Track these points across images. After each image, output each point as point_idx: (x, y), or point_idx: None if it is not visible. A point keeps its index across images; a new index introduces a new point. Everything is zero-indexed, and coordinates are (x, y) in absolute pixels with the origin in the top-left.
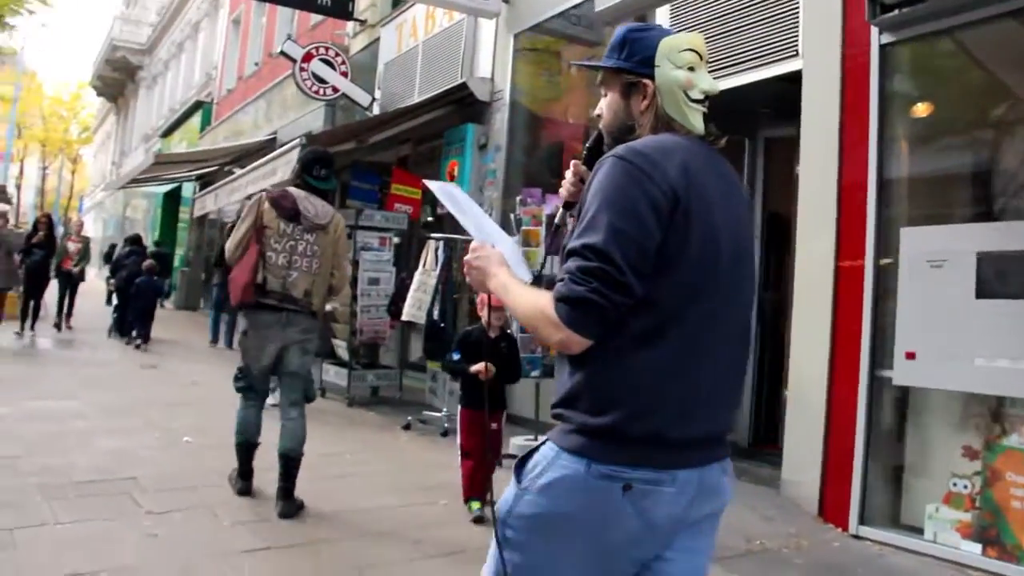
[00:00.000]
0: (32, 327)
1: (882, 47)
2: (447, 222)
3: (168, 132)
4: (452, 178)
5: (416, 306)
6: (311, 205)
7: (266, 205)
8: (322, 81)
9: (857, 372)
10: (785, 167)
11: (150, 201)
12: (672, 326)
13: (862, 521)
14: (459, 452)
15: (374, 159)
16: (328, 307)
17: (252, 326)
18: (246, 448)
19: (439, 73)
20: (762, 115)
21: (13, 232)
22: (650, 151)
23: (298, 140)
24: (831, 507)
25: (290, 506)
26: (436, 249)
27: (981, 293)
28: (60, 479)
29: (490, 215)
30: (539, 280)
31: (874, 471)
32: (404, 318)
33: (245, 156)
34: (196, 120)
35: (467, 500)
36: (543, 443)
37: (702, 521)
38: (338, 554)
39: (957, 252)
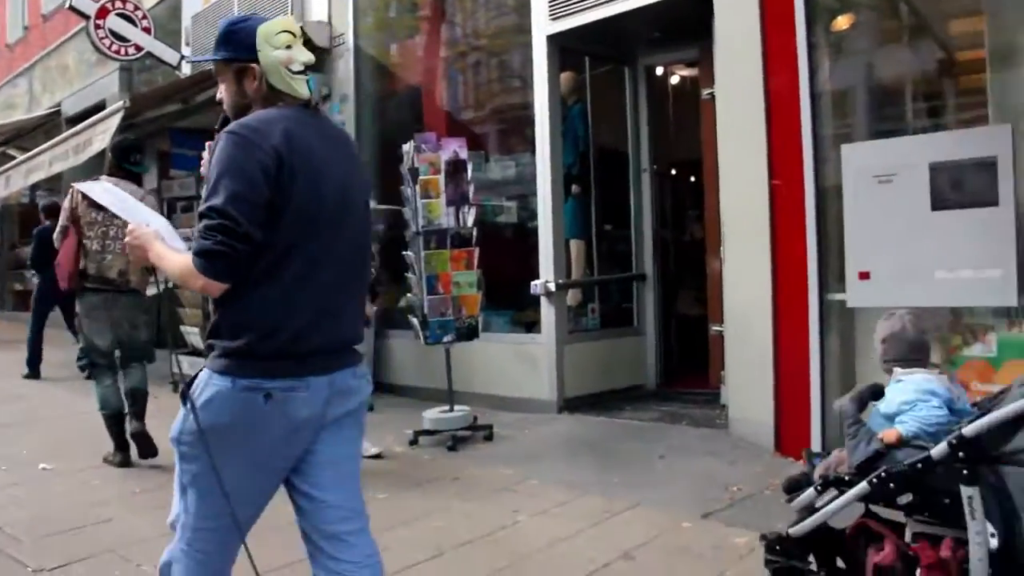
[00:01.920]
0: None
1: None
2: None
3: None
4: None
5: None
6: (120, 191)
7: (79, 197)
8: (123, 39)
9: (805, 298)
10: (664, 94)
11: None
12: (284, 264)
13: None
14: None
15: (190, 124)
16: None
17: (83, 309)
18: (115, 419)
19: None
20: (641, 42)
21: None
22: (256, 123)
23: (120, 104)
24: (789, 441)
25: (147, 441)
26: None
27: (937, 205)
28: None
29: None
30: (443, 233)
31: (830, 399)
32: None
33: (22, 134)
34: None
35: None
36: (200, 371)
37: (342, 418)
38: None
39: (907, 165)
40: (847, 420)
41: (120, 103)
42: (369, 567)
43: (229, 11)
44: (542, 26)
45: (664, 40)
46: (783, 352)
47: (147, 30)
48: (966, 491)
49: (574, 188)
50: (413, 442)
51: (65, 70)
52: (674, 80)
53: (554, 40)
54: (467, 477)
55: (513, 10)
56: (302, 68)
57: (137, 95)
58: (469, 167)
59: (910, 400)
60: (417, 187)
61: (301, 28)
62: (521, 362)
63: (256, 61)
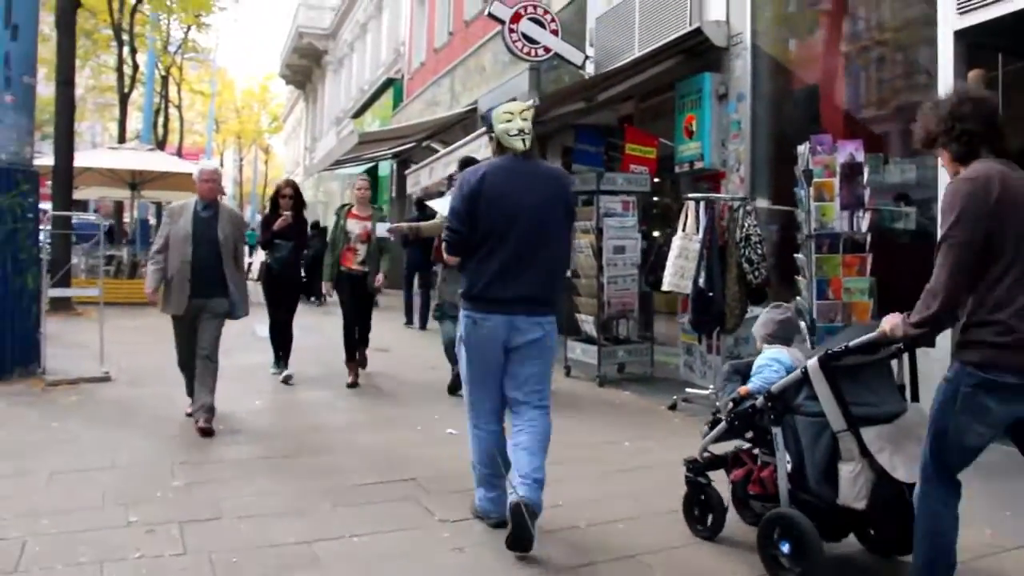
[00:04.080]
0: (285, 362)
1: None
2: (685, 183)
3: (359, 113)
4: (690, 134)
5: (679, 274)
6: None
7: None
8: (532, 41)
9: None
10: None
11: (341, 183)
12: (481, 249)
13: None
14: None
15: (591, 121)
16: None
17: (444, 274)
18: (448, 351)
19: (662, 22)
20: None
21: (235, 214)
22: (469, 173)
23: (531, 102)
24: None
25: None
26: (696, 210)
27: None
28: (339, 481)
29: (738, 168)
30: (836, 238)
31: None
32: (665, 288)
33: (444, 129)
34: (388, 98)
35: None
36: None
37: (523, 347)
38: (673, 568)
39: None
40: (721, 377)
41: (531, 101)
42: (529, 429)
43: (631, 12)
44: (949, 21)
45: None
46: None
47: (555, 32)
48: (774, 430)
49: None
50: None
51: (482, 70)
52: None
53: (962, 36)
54: None
55: (918, 3)
56: (517, 132)
57: (546, 94)
58: (866, 170)
59: (761, 365)
60: (811, 189)
61: (532, 103)
62: None
63: (493, 130)
